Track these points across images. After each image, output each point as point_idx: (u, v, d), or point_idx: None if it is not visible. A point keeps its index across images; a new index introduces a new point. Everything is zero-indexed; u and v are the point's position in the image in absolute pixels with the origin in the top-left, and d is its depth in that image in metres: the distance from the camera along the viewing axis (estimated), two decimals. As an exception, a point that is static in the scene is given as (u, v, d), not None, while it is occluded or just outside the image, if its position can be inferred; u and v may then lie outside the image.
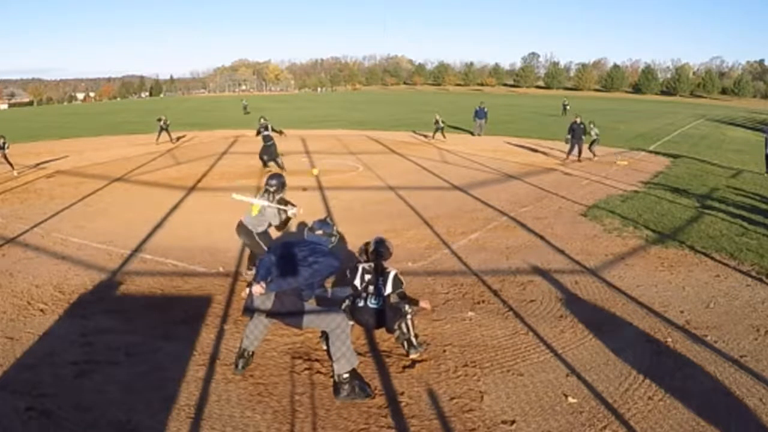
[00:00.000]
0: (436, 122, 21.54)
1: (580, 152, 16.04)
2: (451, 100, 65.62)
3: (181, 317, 4.97)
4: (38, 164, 15.03)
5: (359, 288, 4.46)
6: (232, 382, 3.90)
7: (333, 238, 4.18)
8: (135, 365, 4.09)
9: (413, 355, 4.30)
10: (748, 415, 3.54)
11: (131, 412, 3.49)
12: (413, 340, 4.34)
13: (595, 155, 16.23)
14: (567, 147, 16.31)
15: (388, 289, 4.45)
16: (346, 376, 3.75)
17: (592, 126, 16.63)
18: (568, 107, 38.84)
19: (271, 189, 5.49)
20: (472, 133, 24.15)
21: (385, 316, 4.37)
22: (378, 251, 4.57)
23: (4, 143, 13.50)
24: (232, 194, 5.61)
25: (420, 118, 34.56)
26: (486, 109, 24.18)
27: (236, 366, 4.03)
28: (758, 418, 3.50)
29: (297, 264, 3.86)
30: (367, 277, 4.47)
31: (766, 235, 7.80)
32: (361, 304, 4.43)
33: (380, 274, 4.48)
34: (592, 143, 16.46)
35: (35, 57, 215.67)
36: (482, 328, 4.86)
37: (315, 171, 12.07)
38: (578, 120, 16.26)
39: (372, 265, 4.52)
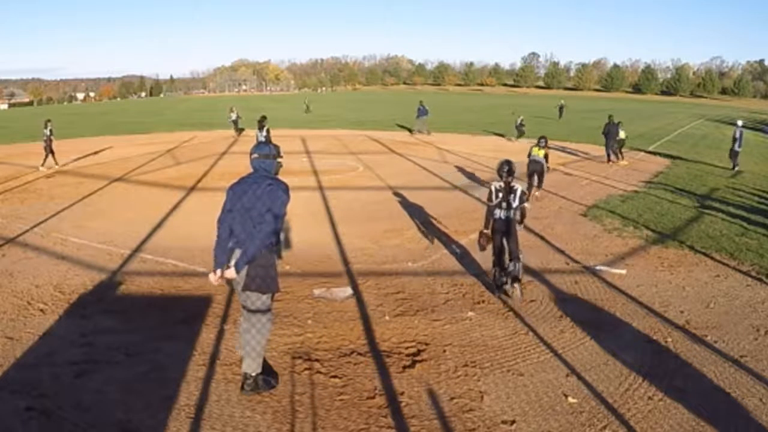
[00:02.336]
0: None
1: (617, 154, 15.88)
2: (452, 100, 65.64)
3: (181, 317, 4.97)
4: (78, 158, 16.10)
5: (494, 203, 5.54)
6: (232, 382, 3.90)
7: (279, 159, 3.88)
8: (135, 365, 4.09)
9: (515, 292, 5.45)
10: (748, 415, 3.54)
11: (131, 412, 3.49)
12: (519, 278, 5.50)
13: (623, 158, 16.04)
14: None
15: (516, 202, 5.54)
16: (254, 374, 3.74)
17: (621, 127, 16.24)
18: (564, 108, 35.01)
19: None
20: (410, 131, 24.66)
21: (512, 224, 5.54)
22: (510, 170, 5.56)
23: (51, 131, 14.11)
24: None
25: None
26: (427, 107, 24.63)
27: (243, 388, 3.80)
28: (758, 418, 3.50)
29: (256, 217, 3.54)
30: (500, 194, 5.53)
31: (766, 235, 7.80)
32: (497, 215, 5.53)
33: (510, 190, 5.53)
34: (621, 146, 16.25)
35: (35, 57, 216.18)
36: (482, 328, 4.86)
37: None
38: (614, 120, 15.86)
39: (503, 184, 5.54)
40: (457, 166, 14.52)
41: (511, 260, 5.53)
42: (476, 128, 27.97)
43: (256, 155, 3.78)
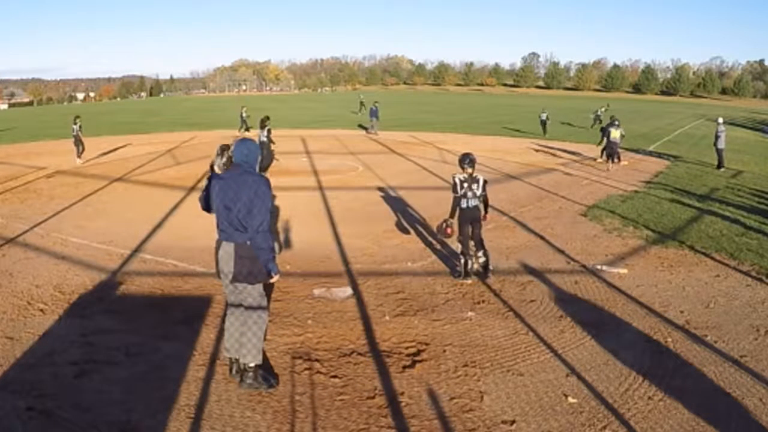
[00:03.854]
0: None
1: (612, 157, 15.81)
2: (450, 99, 65.61)
3: (181, 317, 4.97)
4: (102, 154, 16.93)
5: (459, 194, 5.91)
6: (232, 382, 3.89)
7: (258, 154, 3.94)
8: (135, 365, 4.09)
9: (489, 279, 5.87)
10: (748, 415, 3.54)
11: (131, 412, 3.49)
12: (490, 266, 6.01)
13: (620, 160, 15.93)
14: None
15: (480, 191, 5.96)
16: (252, 365, 3.77)
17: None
18: (548, 122, 25.05)
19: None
20: (366, 129, 25.05)
21: (479, 212, 6.01)
22: (471, 161, 5.98)
23: (80, 126, 15.08)
24: None
25: (422, 118, 34.62)
26: (377, 109, 25.00)
27: (233, 372, 3.94)
28: (758, 418, 3.50)
29: (243, 212, 3.62)
30: (465, 184, 5.92)
31: (766, 235, 7.80)
32: (464, 205, 5.91)
33: (473, 180, 5.95)
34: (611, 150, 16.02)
35: (35, 57, 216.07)
36: (482, 328, 4.86)
37: None
38: (615, 121, 15.75)
39: (465, 175, 5.94)
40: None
41: (479, 248, 6.00)
42: (493, 128, 27.94)
43: (239, 151, 3.82)
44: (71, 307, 5.17)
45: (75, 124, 14.95)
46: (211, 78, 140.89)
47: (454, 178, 6.00)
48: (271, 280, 3.79)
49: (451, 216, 6.06)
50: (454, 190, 5.96)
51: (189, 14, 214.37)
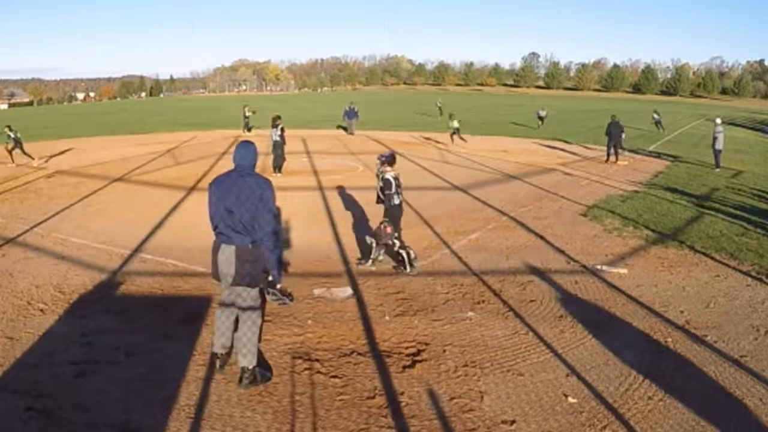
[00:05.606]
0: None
1: (617, 154, 15.90)
2: (450, 100, 65.58)
3: (181, 317, 4.97)
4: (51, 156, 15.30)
5: (393, 191, 6.12)
6: (232, 382, 3.89)
7: (257, 156, 3.91)
8: (135, 365, 4.09)
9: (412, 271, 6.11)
10: (748, 415, 3.54)
11: (131, 412, 3.49)
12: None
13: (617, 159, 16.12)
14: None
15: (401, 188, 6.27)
16: (251, 366, 3.81)
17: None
18: (545, 117, 28.94)
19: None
20: (346, 130, 24.99)
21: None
22: (395, 159, 6.30)
23: (16, 137, 14.92)
24: None
25: (421, 118, 34.63)
26: (356, 109, 24.84)
27: (218, 366, 4.01)
28: (758, 418, 3.50)
29: (246, 215, 3.64)
30: (397, 181, 6.19)
31: (766, 235, 7.80)
32: (397, 201, 6.19)
33: (398, 177, 6.27)
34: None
35: (35, 57, 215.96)
36: (482, 328, 4.86)
37: None
38: (616, 119, 15.94)
39: (395, 173, 6.23)
40: (457, 166, 14.48)
41: (402, 244, 6.25)
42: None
43: (239, 153, 3.83)
44: (71, 307, 5.17)
45: (11, 131, 14.82)
46: (211, 78, 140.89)
47: (385, 176, 6.14)
48: (278, 286, 3.77)
49: (389, 214, 6.25)
50: (389, 188, 6.11)
51: (189, 14, 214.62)
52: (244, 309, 3.83)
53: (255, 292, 3.84)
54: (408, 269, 6.14)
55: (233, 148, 3.91)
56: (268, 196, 3.69)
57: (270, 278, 3.77)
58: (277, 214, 3.79)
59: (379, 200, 6.32)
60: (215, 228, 3.78)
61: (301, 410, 3.59)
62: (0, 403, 3.53)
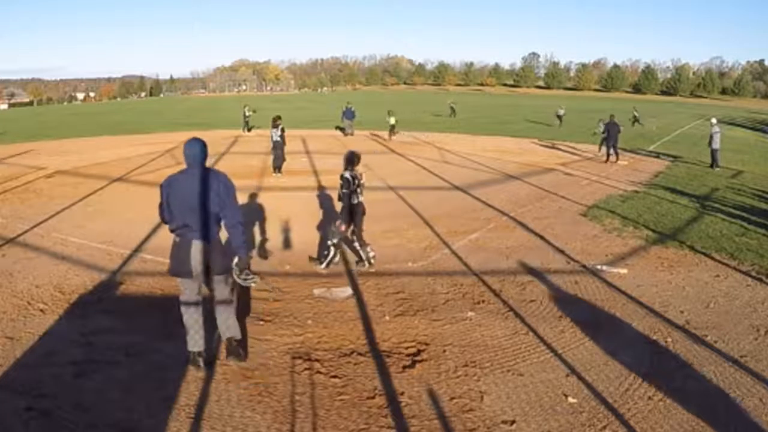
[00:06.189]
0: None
1: (616, 153, 15.94)
2: (451, 99, 65.54)
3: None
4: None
5: (350, 190, 6.13)
6: (232, 382, 3.90)
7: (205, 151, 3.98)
8: (135, 365, 4.08)
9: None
10: (748, 415, 3.54)
11: (131, 412, 3.49)
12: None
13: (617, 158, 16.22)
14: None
15: (362, 186, 6.30)
16: (239, 338, 4.07)
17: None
18: (563, 116, 29.60)
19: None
20: (343, 131, 24.71)
21: (363, 205, 6.31)
22: (358, 159, 6.29)
23: None
24: None
25: (419, 118, 34.61)
26: (353, 109, 24.39)
27: (201, 365, 4.04)
28: (758, 418, 3.50)
29: (211, 206, 3.79)
30: (356, 181, 6.19)
31: (766, 235, 7.80)
32: (355, 201, 6.21)
33: (359, 176, 6.25)
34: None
35: (35, 57, 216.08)
36: (482, 328, 4.86)
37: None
38: (614, 119, 16.04)
39: (353, 172, 6.18)
40: (457, 166, 14.48)
41: (363, 244, 6.36)
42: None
43: (192, 151, 3.88)
44: (71, 307, 5.17)
45: None
46: (211, 78, 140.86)
47: (344, 175, 6.18)
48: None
49: (345, 212, 6.29)
50: (347, 187, 6.15)
51: (189, 14, 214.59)
52: (220, 302, 4.00)
53: (230, 281, 4.00)
54: (322, 265, 6.27)
55: (184, 146, 3.93)
56: (230, 187, 3.86)
57: (236, 261, 3.96)
58: (238, 204, 3.95)
59: (339, 198, 6.36)
60: (180, 226, 3.87)
61: (301, 410, 3.59)
62: (0, 403, 3.53)
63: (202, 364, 4.03)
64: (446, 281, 6.01)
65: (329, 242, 6.31)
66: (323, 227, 7.95)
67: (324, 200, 10.16)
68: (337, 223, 6.32)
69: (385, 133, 22.70)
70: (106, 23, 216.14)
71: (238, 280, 4.00)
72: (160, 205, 3.94)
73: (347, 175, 6.17)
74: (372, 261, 6.38)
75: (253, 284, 4.15)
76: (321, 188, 11.37)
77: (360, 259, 6.40)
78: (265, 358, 4.24)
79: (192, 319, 4.02)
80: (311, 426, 3.43)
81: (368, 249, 6.40)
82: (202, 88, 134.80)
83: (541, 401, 3.72)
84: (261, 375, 4.02)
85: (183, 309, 4.04)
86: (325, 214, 9.10)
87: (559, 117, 29.30)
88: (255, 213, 8.94)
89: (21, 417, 3.40)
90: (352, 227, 6.30)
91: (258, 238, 7.75)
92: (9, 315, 4.95)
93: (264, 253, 6.94)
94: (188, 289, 4.01)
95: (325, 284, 5.83)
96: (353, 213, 6.26)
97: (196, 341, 4.03)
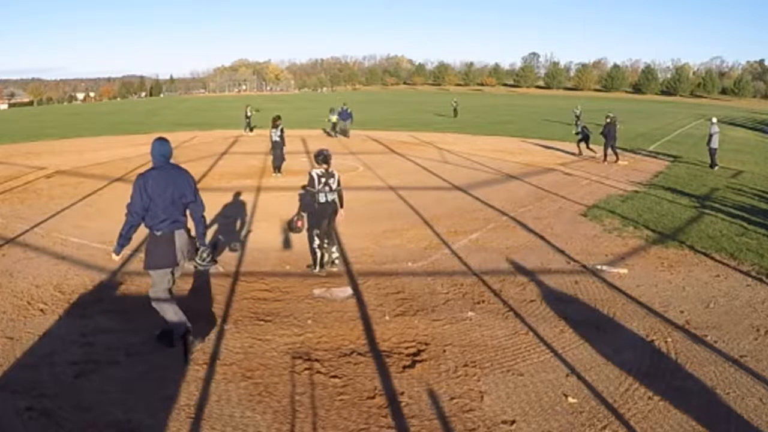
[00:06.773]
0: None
1: (615, 153, 15.96)
2: (450, 100, 65.57)
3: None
4: None
5: (317, 188, 6.00)
6: (232, 382, 3.90)
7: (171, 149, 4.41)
8: (135, 365, 4.09)
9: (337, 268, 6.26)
10: (748, 415, 3.54)
11: (131, 412, 3.49)
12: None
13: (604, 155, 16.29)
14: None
15: (335, 185, 6.12)
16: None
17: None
18: (580, 114, 28.95)
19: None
20: (329, 133, 24.18)
21: (335, 207, 6.17)
22: (327, 157, 6.11)
23: None
24: None
25: (419, 117, 34.61)
26: (349, 110, 23.51)
27: (200, 339, 4.41)
28: (758, 418, 3.50)
29: (179, 200, 4.21)
30: (323, 179, 6.03)
31: (766, 235, 7.80)
32: (322, 200, 6.05)
33: (329, 175, 6.07)
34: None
35: (35, 57, 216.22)
36: (482, 328, 4.86)
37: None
38: (611, 119, 16.07)
39: (322, 170, 6.05)
40: (457, 166, 14.49)
41: (332, 243, 6.33)
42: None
43: (160, 149, 4.33)
44: (71, 307, 5.17)
45: None
46: (211, 78, 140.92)
47: (310, 173, 6.12)
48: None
49: (304, 210, 6.36)
50: (311, 185, 6.07)
51: (189, 14, 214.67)
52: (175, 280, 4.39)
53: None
54: (316, 269, 6.17)
55: (153, 145, 4.38)
56: (194, 181, 4.35)
57: (198, 248, 4.37)
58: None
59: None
60: (162, 219, 4.15)
61: (301, 410, 3.59)
62: (0, 403, 3.53)
63: (200, 339, 4.41)
64: (446, 281, 6.01)
65: (314, 246, 6.22)
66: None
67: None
68: (295, 218, 6.27)
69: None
70: (106, 23, 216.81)
71: (199, 266, 4.41)
72: (132, 202, 4.24)
73: (314, 173, 6.07)
74: (336, 262, 6.29)
75: (210, 268, 4.58)
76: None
77: (312, 263, 6.25)
78: (265, 358, 4.25)
79: (173, 307, 4.26)
80: (311, 426, 3.43)
81: (333, 250, 6.30)
82: (202, 88, 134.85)
83: (541, 401, 3.72)
84: (261, 375, 4.02)
85: (157, 304, 4.25)
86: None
87: (578, 117, 28.59)
88: (240, 210, 9.11)
89: (21, 417, 3.40)
90: (318, 228, 6.17)
91: (240, 233, 7.85)
92: (9, 315, 4.95)
93: (235, 247, 6.78)
94: (162, 282, 4.21)
95: (325, 284, 5.83)
96: (319, 212, 6.12)
97: (184, 321, 4.26)
